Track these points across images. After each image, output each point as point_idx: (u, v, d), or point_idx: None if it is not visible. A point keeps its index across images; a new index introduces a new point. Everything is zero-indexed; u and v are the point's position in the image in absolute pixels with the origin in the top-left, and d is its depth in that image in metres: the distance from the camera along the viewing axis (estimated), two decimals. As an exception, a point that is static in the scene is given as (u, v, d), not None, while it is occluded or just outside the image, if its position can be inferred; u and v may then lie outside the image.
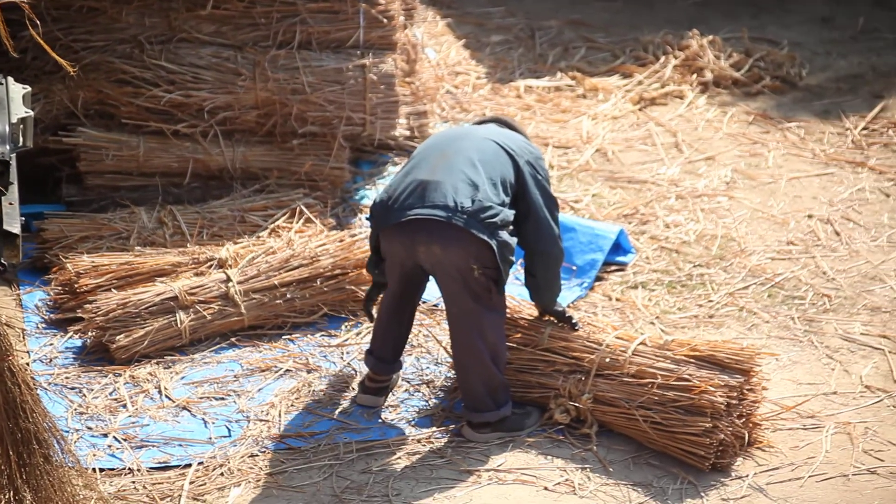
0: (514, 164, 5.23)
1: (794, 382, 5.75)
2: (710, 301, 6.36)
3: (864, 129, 8.08)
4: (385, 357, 5.49)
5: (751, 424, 5.25)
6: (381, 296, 5.54)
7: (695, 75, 8.64)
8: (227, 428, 5.42)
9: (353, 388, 5.65)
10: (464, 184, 5.09)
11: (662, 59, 8.76)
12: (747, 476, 5.14)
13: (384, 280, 5.45)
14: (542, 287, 5.38)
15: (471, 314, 5.18)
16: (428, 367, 5.81)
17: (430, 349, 5.93)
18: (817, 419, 5.48)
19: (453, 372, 5.56)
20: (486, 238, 5.05)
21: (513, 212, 5.17)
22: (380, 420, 5.47)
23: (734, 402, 5.13)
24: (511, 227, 5.17)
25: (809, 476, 5.15)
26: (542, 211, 5.26)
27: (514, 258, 5.16)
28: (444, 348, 5.81)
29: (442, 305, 5.76)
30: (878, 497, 5.05)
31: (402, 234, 5.16)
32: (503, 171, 5.18)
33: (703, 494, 5.06)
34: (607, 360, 5.32)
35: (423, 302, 6.26)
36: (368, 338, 5.99)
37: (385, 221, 5.18)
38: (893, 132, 8.02)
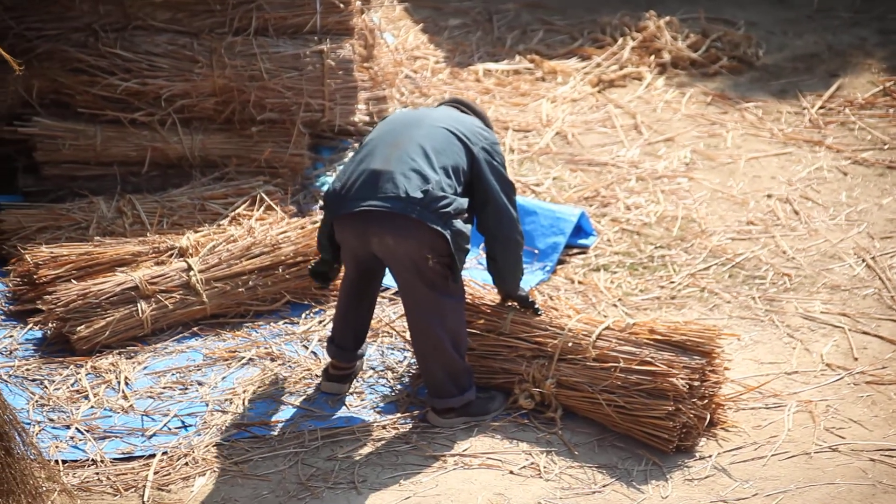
0: (467, 152, 5.22)
1: (756, 362, 5.79)
2: (672, 282, 6.39)
3: (820, 108, 8.13)
4: (346, 345, 5.48)
5: (713, 405, 5.29)
6: (340, 283, 5.53)
7: (653, 57, 8.67)
8: (191, 417, 5.39)
9: (318, 376, 5.64)
10: (416, 174, 5.08)
11: (620, 40, 8.78)
12: (711, 456, 5.18)
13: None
14: (505, 272, 5.38)
15: (428, 302, 5.17)
16: (391, 353, 5.81)
17: (392, 335, 5.92)
18: (779, 398, 5.52)
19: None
20: (439, 228, 5.05)
21: (466, 200, 5.16)
22: (344, 407, 5.46)
23: (696, 384, 5.16)
24: (465, 215, 5.17)
25: (772, 455, 5.19)
26: (500, 197, 5.25)
27: (469, 246, 5.15)
28: (403, 337, 5.80)
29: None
30: (839, 474, 5.10)
31: (354, 224, 5.15)
32: (456, 159, 5.17)
33: (667, 475, 5.09)
34: (570, 344, 5.34)
35: (385, 289, 6.26)
36: (331, 325, 5.98)
37: (338, 210, 5.17)
38: (850, 111, 8.09)
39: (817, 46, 8.93)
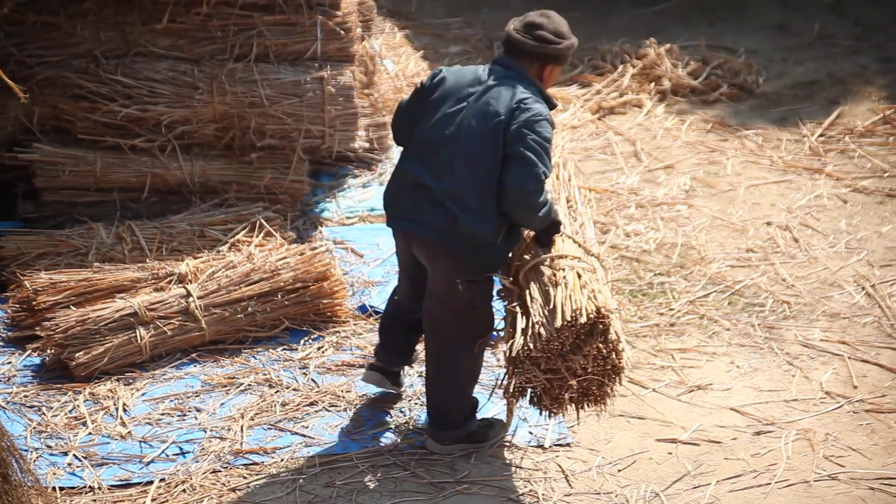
0: (504, 143, 5.01)
1: (755, 389, 5.79)
2: (671, 309, 6.39)
3: (820, 135, 8.17)
4: (391, 345, 5.52)
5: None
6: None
7: (653, 84, 8.71)
8: (189, 444, 5.38)
9: (316, 403, 5.64)
10: (455, 199, 5.03)
11: (620, 68, 8.82)
12: (710, 484, 5.17)
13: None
14: (523, 223, 5.15)
15: (451, 329, 5.19)
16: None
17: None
18: (778, 426, 5.52)
19: (424, 383, 5.56)
20: (471, 261, 5.07)
21: (503, 219, 5.10)
22: (343, 434, 5.45)
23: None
24: (500, 235, 5.13)
25: (771, 483, 5.18)
26: (521, 152, 4.99)
27: (499, 267, 5.18)
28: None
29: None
30: (839, 503, 5.09)
31: (400, 234, 5.27)
32: (492, 163, 5.01)
33: (666, 503, 5.08)
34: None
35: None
36: (329, 352, 6.01)
37: (386, 215, 5.27)
38: (850, 139, 8.13)
39: (817, 74, 8.99)
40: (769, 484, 5.17)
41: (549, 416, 5.13)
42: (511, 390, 4.98)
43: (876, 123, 8.27)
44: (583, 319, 4.86)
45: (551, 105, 5.18)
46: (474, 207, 5.02)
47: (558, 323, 4.86)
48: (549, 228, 5.18)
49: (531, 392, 5.01)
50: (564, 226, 5.28)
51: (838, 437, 5.46)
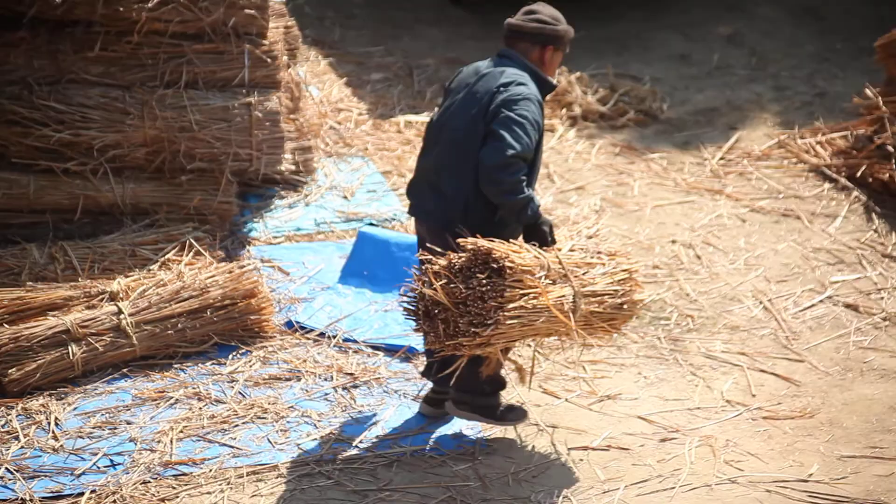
0: (484, 125, 5.26)
1: (661, 399, 5.99)
2: (582, 324, 6.58)
3: (720, 159, 8.38)
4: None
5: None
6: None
7: (564, 110, 8.87)
8: (120, 456, 5.44)
9: (243, 415, 5.74)
10: (447, 182, 5.28)
11: (534, 94, 8.98)
12: (618, 489, 5.33)
13: None
14: (494, 201, 5.25)
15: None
16: (316, 391, 5.93)
17: (316, 375, 6.04)
18: (682, 433, 5.71)
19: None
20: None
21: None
22: (269, 445, 5.54)
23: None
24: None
25: (675, 487, 5.34)
26: (494, 129, 5.19)
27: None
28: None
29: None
30: (738, 504, 5.28)
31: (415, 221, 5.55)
32: (479, 149, 5.30)
33: (577, 507, 5.24)
34: None
35: (309, 330, 6.39)
36: (257, 366, 6.11)
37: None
38: (748, 162, 8.34)
39: (717, 101, 9.20)
40: (674, 488, 5.34)
41: (433, 353, 5.32)
42: (415, 307, 5.15)
43: (771, 147, 8.49)
44: (472, 244, 5.05)
45: (549, 86, 5.38)
46: (464, 189, 5.25)
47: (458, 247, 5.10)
48: (534, 229, 5.26)
49: (424, 319, 5.13)
50: (556, 245, 5.33)
51: (738, 443, 5.64)
